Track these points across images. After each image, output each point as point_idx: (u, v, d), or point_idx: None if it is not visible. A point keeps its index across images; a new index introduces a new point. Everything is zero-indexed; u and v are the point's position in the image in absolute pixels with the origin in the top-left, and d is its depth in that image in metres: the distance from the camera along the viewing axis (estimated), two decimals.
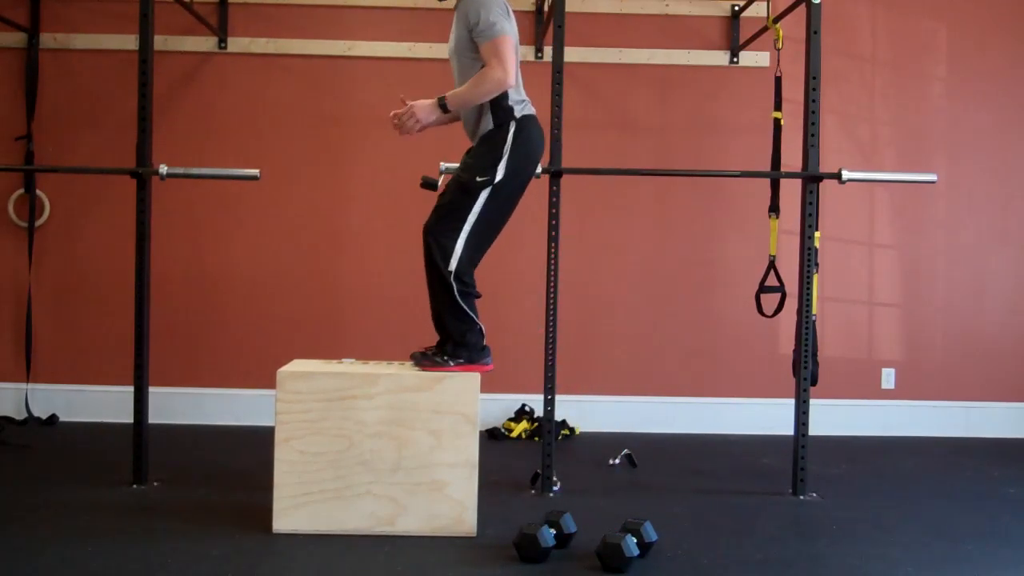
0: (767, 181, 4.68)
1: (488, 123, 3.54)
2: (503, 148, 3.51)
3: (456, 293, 3.51)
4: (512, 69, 3.46)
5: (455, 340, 3.56)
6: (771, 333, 5.46)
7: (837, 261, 5.58)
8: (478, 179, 3.49)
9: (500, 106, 3.52)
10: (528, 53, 5.50)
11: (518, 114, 3.54)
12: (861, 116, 5.63)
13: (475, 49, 3.52)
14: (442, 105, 3.52)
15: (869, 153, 5.62)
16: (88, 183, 5.41)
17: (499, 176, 3.50)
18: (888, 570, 3.20)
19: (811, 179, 4.16)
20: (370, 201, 5.52)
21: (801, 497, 4.11)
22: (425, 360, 3.56)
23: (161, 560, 3.13)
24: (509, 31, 3.47)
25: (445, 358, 3.54)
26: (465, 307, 3.54)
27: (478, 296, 3.61)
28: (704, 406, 5.57)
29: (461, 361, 3.53)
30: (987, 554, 3.39)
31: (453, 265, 3.49)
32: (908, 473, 4.69)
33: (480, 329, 3.59)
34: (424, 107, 3.53)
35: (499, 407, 5.43)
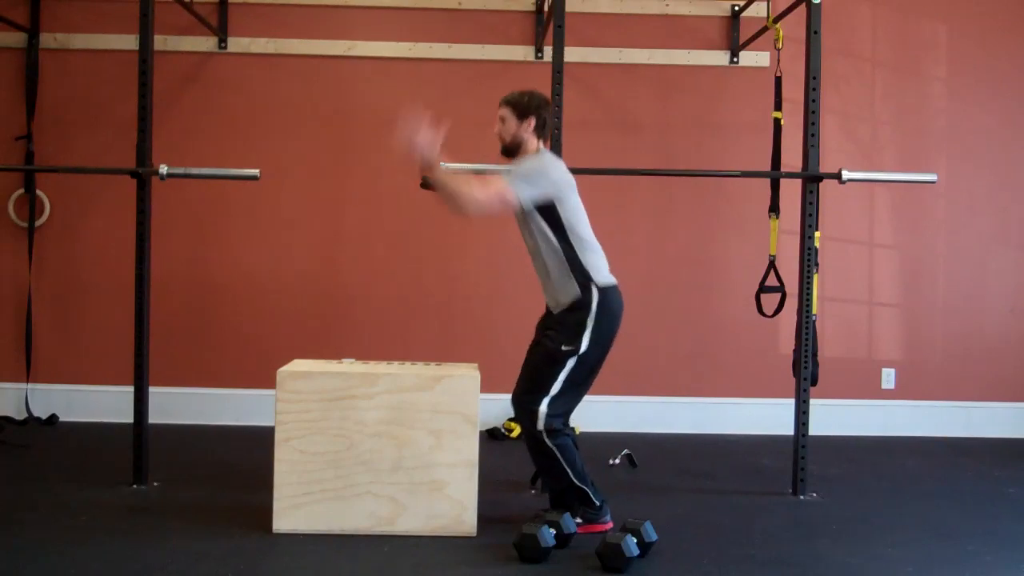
0: (767, 181, 4.68)
1: (573, 288, 3.50)
2: (588, 320, 3.48)
3: (552, 446, 3.48)
4: (487, 207, 3.39)
5: (579, 498, 3.55)
6: (771, 333, 5.46)
7: (837, 261, 5.58)
8: (564, 348, 3.48)
9: (581, 280, 3.49)
10: (528, 53, 5.51)
11: (601, 284, 3.51)
12: (861, 116, 5.63)
13: (535, 213, 3.49)
14: (426, 183, 3.49)
15: (869, 153, 5.62)
16: (88, 183, 5.41)
17: (584, 346, 3.48)
18: (888, 570, 3.20)
19: (811, 179, 4.16)
20: (370, 201, 5.52)
21: (801, 497, 4.11)
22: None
23: (161, 560, 3.13)
24: (522, 197, 3.41)
25: (578, 520, 3.51)
26: (564, 463, 3.50)
27: (581, 461, 3.57)
28: (704, 406, 5.57)
29: (580, 522, 3.50)
30: (987, 554, 3.39)
31: (541, 424, 3.46)
32: (908, 473, 4.69)
33: (590, 489, 3.56)
34: (424, 158, 3.32)
35: (499, 407, 5.41)
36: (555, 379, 3.48)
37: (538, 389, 3.48)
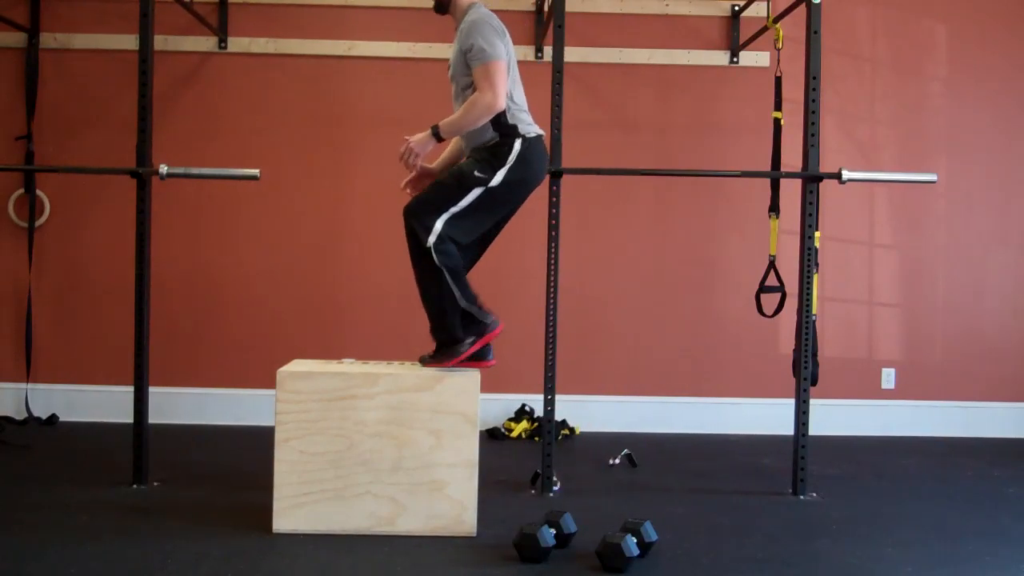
0: (767, 181, 4.68)
1: (491, 135, 3.56)
2: (507, 158, 3.54)
3: (440, 265, 3.47)
4: (502, 93, 3.49)
5: (451, 335, 3.55)
6: (771, 333, 5.46)
7: (837, 261, 5.58)
8: (476, 174, 3.51)
9: (500, 123, 3.54)
10: (528, 53, 5.50)
11: (523, 132, 3.57)
12: (861, 116, 5.63)
13: (470, 72, 3.54)
14: (436, 134, 3.54)
15: (869, 153, 5.62)
16: (88, 183, 5.41)
17: (495, 181, 3.52)
18: (888, 570, 3.20)
19: (811, 179, 4.16)
20: (370, 201, 5.52)
21: (801, 497, 4.11)
22: (431, 359, 3.57)
23: (161, 560, 3.13)
24: (501, 55, 3.50)
25: (446, 352, 3.54)
26: (453, 284, 3.50)
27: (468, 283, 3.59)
28: (704, 406, 5.57)
29: (472, 340, 3.51)
30: (987, 554, 3.39)
31: (432, 239, 3.47)
32: (908, 473, 4.69)
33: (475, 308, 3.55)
34: (420, 140, 3.55)
35: (499, 407, 5.43)
36: (457, 201, 3.50)
37: (438, 206, 3.49)
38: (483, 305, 3.60)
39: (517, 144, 3.55)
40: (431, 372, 3.53)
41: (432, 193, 3.56)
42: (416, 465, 3.44)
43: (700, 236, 5.60)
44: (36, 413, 5.41)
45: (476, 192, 3.51)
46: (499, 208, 3.60)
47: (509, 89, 3.56)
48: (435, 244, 3.47)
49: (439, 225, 3.48)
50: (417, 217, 3.50)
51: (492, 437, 5.30)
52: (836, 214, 5.48)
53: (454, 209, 3.50)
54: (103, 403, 5.41)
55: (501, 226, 3.71)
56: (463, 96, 3.60)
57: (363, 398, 3.43)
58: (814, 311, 4.17)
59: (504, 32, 3.62)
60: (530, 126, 3.62)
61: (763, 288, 4.66)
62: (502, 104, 3.49)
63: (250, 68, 5.51)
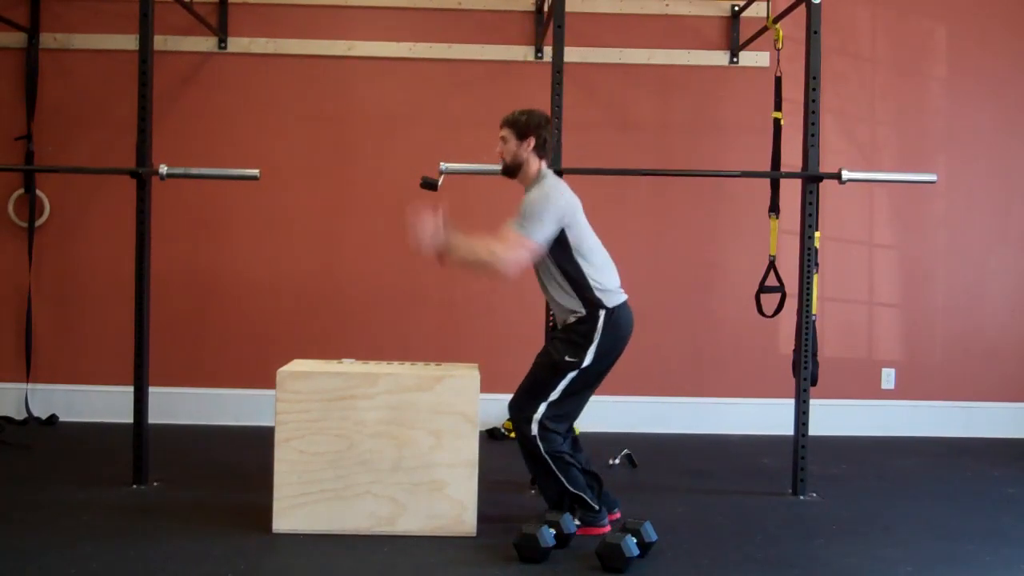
0: (767, 181, 4.68)
1: (577, 306, 3.51)
2: (594, 335, 3.49)
3: (544, 454, 3.47)
4: (513, 266, 3.40)
5: (576, 504, 3.54)
6: (771, 333, 5.46)
7: (837, 261, 5.58)
8: (567, 359, 3.48)
9: (585, 297, 3.49)
10: (528, 53, 5.50)
11: (609, 304, 3.51)
12: (861, 116, 5.63)
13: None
14: (442, 251, 3.40)
15: (869, 153, 5.62)
16: (88, 183, 5.41)
17: (587, 361, 3.49)
18: (888, 570, 3.20)
19: (811, 179, 4.16)
20: (370, 201, 5.52)
21: (801, 497, 4.11)
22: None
23: (161, 560, 3.13)
24: (539, 240, 3.42)
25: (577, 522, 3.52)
26: (558, 471, 3.49)
27: (578, 467, 3.56)
28: (704, 406, 5.57)
29: (579, 524, 3.49)
30: (987, 554, 3.39)
31: (535, 429, 3.46)
32: (908, 473, 4.69)
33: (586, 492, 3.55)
34: (426, 224, 3.36)
35: (499, 407, 5.39)
36: (554, 388, 3.48)
37: (535, 396, 3.49)
38: (599, 491, 3.58)
39: (601, 317, 3.49)
40: (431, 372, 3.53)
41: (529, 383, 3.54)
42: (416, 465, 3.44)
43: (700, 236, 5.60)
44: (36, 413, 5.41)
45: (570, 376, 3.49)
46: (595, 381, 3.58)
47: (582, 249, 3.50)
48: (538, 432, 3.47)
49: (539, 414, 3.48)
50: (519, 409, 3.51)
51: (492, 437, 5.30)
52: (836, 214, 5.47)
53: (552, 396, 3.49)
54: (103, 403, 5.41)
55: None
56: (546, 271, 3.54)
57: (363, 398, 3.43)
58: (814, 311, 4.16)
59: (574, 209, 3.53)
60: (615, 297, 3.55)
61: (763, 288, 4.66)
62: (506, 274, 3.42)
63: (250, 68, 5.51)
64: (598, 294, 3.50)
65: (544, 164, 3.63)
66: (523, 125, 3.57)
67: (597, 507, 3.55)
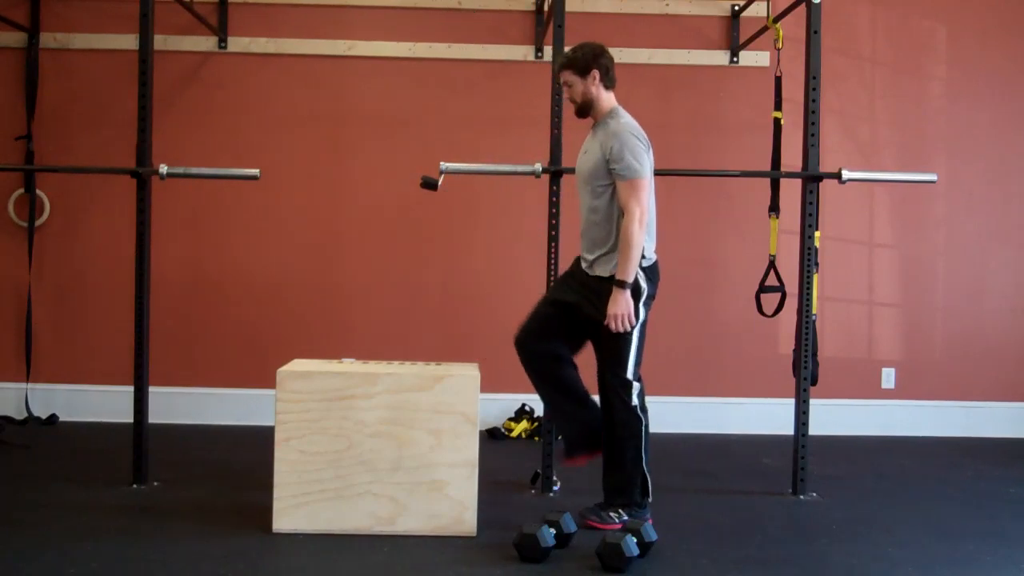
0: (767, 181, 4.68)
1: (615, 262, 3.50)
2: (640, 292, 3.50)
3: (645, 427, 3.53)
4: (648, 207, 3.48)
5: (631, 498, 3.57)
6: (771, 333, 5.46)
7: (837, 261, 5.57)
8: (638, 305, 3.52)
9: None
10: (528, 53, 5.50)
11: (645, 264, 3.52)
12: (861, 116, 5.63)
13: (608, 177, 3.51)
14: (623, 285, 3.44)
15: (869, 153, 5.62)
16: (88, 183, 5.41)
17: (642, 316, 3.52)
18: (888, 570, 3.20)
19: (811, 179, 4.16)
20: (370, 201, 5.52)
21: (801, 497, 4.11)
22: (591, 515, 3.57)
23: (161, 560, 3.13)
24: (647, 173, 3.49)
25: (611, 515, 3.55)
26: (644, 443, 3.54)
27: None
28: (704, 406, 5.57)
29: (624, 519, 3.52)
30: (987, 554, 3.39)
31: (635, 399, 3.52)
32: (908, 473, 4.69)
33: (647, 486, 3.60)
34: (624, 303, 3.44)
35: (499, 407, 5.43)
36: (629, 350, 3.50)
37: (620, 363, 3.50)
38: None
39: (642, 278, 3.51)
40: (431, 372, 3.53)
41: (608, 355, 3.54)
42: (416, 465, 3.44)
43: (700, 236, 5.60)
44: (36, 413, 5.41)
45: (636, 334, 3.51)
46: (645, 325, 3.58)
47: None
48: (640, 404, 3.52)
49: (630, 376, 3.51)
50: (618, 378, 3.51)
51: (492, 437, 5.30)
52: (836, 214, 5.47)
53: (631, 358, 3.51)
54: (103, 403, 5.41)
55: None
56: (595, 196, 3.55)
57: (363, 398, 3.43)
58: (814, 311, 4.17)
59: (649, 145, 3.59)
60: (650, 255, 3.57)
61: (763, 288, 4.66)
62: (647, 216, 3.48)
63: (250, 68, 5.50)
64: (647, 245, 3.53)
65: (613, 97, 3.63)
66: (581, 61, 3.56)
67: (646, 510, 3.59)
